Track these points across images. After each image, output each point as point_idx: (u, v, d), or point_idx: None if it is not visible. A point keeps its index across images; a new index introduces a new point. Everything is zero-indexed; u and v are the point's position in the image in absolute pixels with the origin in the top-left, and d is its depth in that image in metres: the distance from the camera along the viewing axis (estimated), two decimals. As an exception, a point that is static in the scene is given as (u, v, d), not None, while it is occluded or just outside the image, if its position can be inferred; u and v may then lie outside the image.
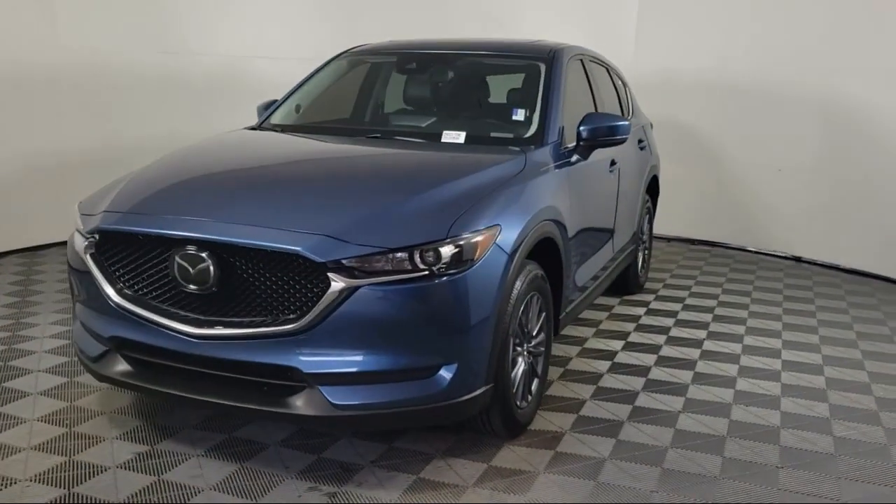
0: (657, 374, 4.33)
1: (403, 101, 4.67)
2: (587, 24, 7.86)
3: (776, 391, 4.13)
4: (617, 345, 4.80)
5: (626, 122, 4.13)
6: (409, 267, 2.88)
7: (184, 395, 3.11)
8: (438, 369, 2.97)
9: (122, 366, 3.25)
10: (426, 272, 2.89)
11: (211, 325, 3.00)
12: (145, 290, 3.13)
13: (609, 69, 5.47)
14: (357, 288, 2.83)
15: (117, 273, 3.19)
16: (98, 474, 3.13)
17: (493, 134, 4.13)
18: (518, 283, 3.24)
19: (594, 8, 8.02)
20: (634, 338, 4.94)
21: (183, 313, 3.05)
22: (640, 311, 5.55)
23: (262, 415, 3.10)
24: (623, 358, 4.57)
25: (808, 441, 3.56)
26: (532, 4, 8.08)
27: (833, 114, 6.84)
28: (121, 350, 3.25)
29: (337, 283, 2.82)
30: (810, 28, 6.85)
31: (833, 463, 3.36)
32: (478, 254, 3.00)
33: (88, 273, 3.25)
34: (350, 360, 2.90)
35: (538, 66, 4.43)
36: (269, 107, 4.78)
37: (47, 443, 3.37)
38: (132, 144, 6.85)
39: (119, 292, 3.17)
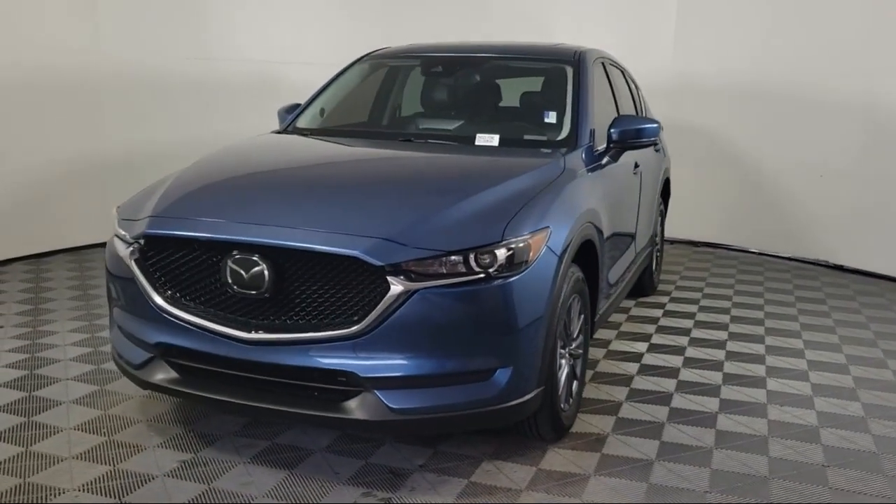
0: (687, 375, 4.34)
1: (429, 104, 4.66)
2: (623, 27, 7.81)
3: (807, 390, 4.16)
4: (641, 346, 4.81)
5: (656, 125, 4.16)
6: (465, 270, 2.87)
7: (234, 401, 3.07)
8: (494, 372, 2.96)
9: (167, 373, 3.20)
10: (482, 275, 2.88)
11: (264, 329, 2.96)
12: (194, 295, 3.09)
13: (623, 72, 5.49)
14: (415, 291, 2.81)
15: (163, 278, 3.15)
16: (146, 483, 3.08)
17: (526, 137, 4.13)
18: (564, 286, 3.24)
19: (631, 10, 7.91)
20: (657, 339, 4.95)
21: (234, 318, 3.01)
22: (658, 312, 5.57)
23: (316, 420, 3.07)
24: (650, 360, 4.58)
25: (848, 440, 3.58)
26: (566, 8, 8.00)
27: (874, 116, 6.66)
28: (166, 357, 3.20)
29: (396, 287, 2.80)
30: (850, 29, 6.68)
31: (877, 461, 3.39)
32: (531, 256, 3.00)
33: (132, 279, 3.20)
34: (407, 364, 2.88)
35: (564, 68, 4.44)
36: (291, 110, 4.75)
37: (88, 452, 3.31)
38: (167, 148, 6.99)
39: (166, 298, 3.12)
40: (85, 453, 3.30)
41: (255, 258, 2.91)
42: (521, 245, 2.96)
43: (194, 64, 7.20)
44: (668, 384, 4.20)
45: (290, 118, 4.61)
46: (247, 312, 3.00)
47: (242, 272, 2.93)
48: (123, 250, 3.23)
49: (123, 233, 3.27)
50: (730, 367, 4.49)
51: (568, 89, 4.28)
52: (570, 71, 4.40)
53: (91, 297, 5.57)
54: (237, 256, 2.94)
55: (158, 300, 3.12)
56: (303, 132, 4.41)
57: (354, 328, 2.86)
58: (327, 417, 2.97)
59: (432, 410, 2.92)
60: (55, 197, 6.70)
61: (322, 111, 4.64)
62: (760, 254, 7.59)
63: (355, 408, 2.92)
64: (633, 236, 4.86)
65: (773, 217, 7.50)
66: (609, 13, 7.98)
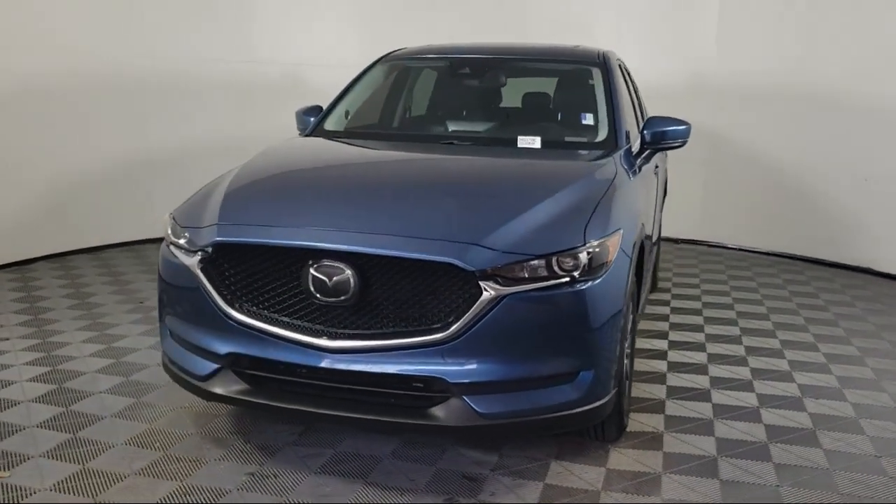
0: (717, 371, 4.43)
1: (459, 106, 4.65)
2: (665, 27, 7.76)
3: (835, 383, 4.30)
4: (662, 344, 4.90)
5: (688, 126, 4.22)
6: (550, 274, 2.87)
7: (313, 410, 3.02)
8: (577, 375, 2.97)
9: (236, 384, 3.12)
10: (566, 278, 2.89)
11: (347, 337, 2.92)
12: (269, 304, 3.02)
13: (628, 72, 5.57)
14: (505, 296, 2.81)
15: (234, 287, 3.07)
16: (222, 497, 3.00)
17: (566, 139, 4.15)
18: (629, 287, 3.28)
19: (673, 9, 7.77)
20: (675, 336, 5.05)
21: (314, 326, 2.96)
22: (666, 309, 5.67)
23: (401, 428, 3.05)
24: (675, 357, 4.66)
25: (890, 430, 3.72)
26: (606, 5, 7.93)
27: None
28: (235, 367, 3.12)
29: (488, 292, 2.79)
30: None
31: (924, 450, 3.53)
32: (609, 258, 3.02)
33: (196, 288, 3.11)
34: (495, 369, 2.88)
35: (591, 70, 4.49)
36: (310, 112, 4.66)
37: (150, 468, 3.21)
38: (207, 145, 7.38)
39: (237, 307, 3.04)
40: (146, 469, 3.19)
41: (340, 265, 2.86)
42: (601, 248, 2.98)
43: (230, 66, 7.43)
44: (702, 380, 4.28)
45: (315, 121, 4.52)
46: (328, 320, 2.95)
47: (326, 279, 2.88)
48: (187, 259, 3.13)
49: (181, 241, 3.18)
50: (754, 362, 4.60)
51: (599, 91, 4.32)
52: (597, 72, 4.45)
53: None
54: (321, 264, 2.88)
55: (229, 310, 3.04)
56: (335, 135, 4.34)
57: (443, 334, 2.84)
58: (414, 424, 2.95)
59: (519, 415, 2.92)
60: (101, 195, 6.89)
61: (347, 113, 4.58)
62: (799, 258, 7.41)
63: (444, 414, 2.89)
64: (654, 236, 4.95)
65: (814, 221, 7.26)
66: (652, 11, 7.84)
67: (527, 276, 2.85)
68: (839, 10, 6.84)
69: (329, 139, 4.29)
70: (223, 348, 3.09)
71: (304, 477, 3.17)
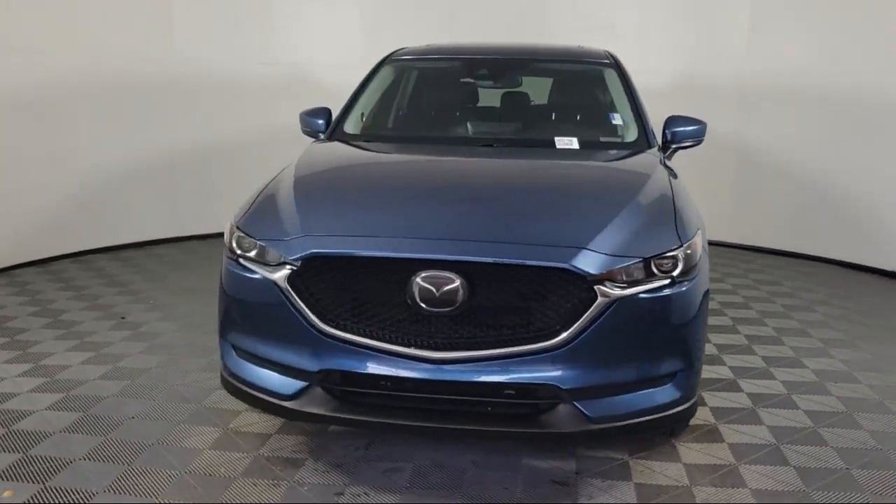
0: (730, 360, 4.60)
1: (480, 108, 4.62)
2: (694, 25, 7.65)
3: (841, 367, 4.55)
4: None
5: (705, 124, 4.34)
6: (651, 276, 2.91)
7: (418, 424, 2.95)
8: (675, 375, 3.02)
9: (327, 401, 2.99)
10: (667, 280, 2.93)
11: (455, 347, 2.85)
12: (368, 317, 2.91)
13: None
14: (617, 300, 2.82)
15: (327, 301, 2.94)
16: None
17: (601, 139, 4.19)
18: None
19: (702, 7, 7.64)
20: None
21: (418, 338, 2.87)
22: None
23: (512, 436, 3.01)
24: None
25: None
26: (629, 4, 7.87)
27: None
28: (324, 384, 2.99)
29: (602, 297, 2.79)
30: None
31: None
32: (698, 258, 3.08)
33: (281, 303, 2.96)
34: (605, 373, 2.89)
35: (605, 70, 4.56)
36: (316, 114, 4.50)
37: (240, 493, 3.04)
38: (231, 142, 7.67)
39: (331, 322, 2.92)
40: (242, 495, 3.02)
41: (450, 275, 2.79)
42: (692, 249, 3.04)
43: (259, 68, 7.61)
44: (723, 371, 4.43)
45: (334, 123, 4.37)
46: (432, 331, 2.87)
47: (434, 290, 2.80)
48: (270, 273, 2.97)
49: (252, 253, 3.05)
50: (760, 350, 4.80)
51: (619, 90, 4.40)
52: (611, 72, 4.52)
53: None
54: (429, 274, 2.80)
55: (321, 324, 2.91)
56: (358, 138, 4.22)
57: (555, 340, 2.82)
58: (526, 433, 2.92)
59: (625, 417, 2.95)
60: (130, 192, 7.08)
61: (363, 116, 4.47)
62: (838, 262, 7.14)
63: (554, 420, 2.88)
64: None
65: (849, 222, 7.02)
66: (678, 10, 7.76)
67: (633, 279, 2.87)
68: (873, 6, 6.61)
69: (358, 143, 4.18)
70: (315, 365, 2.95)
71: (397, 493, 3.08)
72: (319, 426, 3.57)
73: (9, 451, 3.32)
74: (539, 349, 2.83)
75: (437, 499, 3.05)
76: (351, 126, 4.36)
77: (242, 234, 3.13)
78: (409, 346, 2.87)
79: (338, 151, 4.03)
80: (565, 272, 2.79)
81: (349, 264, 2.91)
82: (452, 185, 3.53)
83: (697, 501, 3.07)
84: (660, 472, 3.29)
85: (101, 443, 3.43)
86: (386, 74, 4.69)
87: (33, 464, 3.23)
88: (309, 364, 2.96)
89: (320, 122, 4.42)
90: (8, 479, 3.10)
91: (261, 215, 3.21)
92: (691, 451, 3.47)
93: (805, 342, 4.97)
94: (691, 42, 7.61)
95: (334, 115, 4.51)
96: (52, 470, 3.18)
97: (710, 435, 3.64)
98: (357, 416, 2.98)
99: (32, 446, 3.38)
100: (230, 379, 3.23)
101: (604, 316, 2.82)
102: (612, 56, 4.66)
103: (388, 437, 3.51)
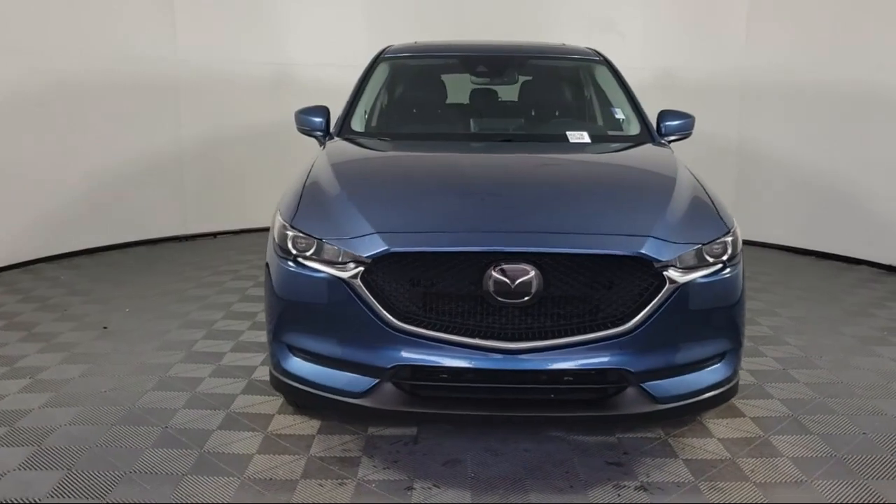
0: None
1: (483, 103, 4.69)
2: (693, 21, 7.76)
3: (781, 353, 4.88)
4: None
5: (694, 118, 4.56)
6: (709, 261, 3.07)
7: (492, 414, 3.02)
8: (725, 355, 3.20)
9: (399, 396, 3.01)
10: (719, 265, 3.10)
11: (528, 337, 2.93)
12: (442, 311, 2.95)
13: None
14: (682, 285, 2.97)
15: (400, 297, 2.96)
16: (409, 516, 2.90)
17: (609, 132, 4.34)
18: None
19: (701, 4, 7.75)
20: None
21: (492, 329, 2.93)
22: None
23: (584, 420, 3.11)
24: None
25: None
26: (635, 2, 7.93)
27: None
28: (395, 379, 3.01)
29: (670, 282, 2.93)
30: None
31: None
32: (740, 243, 3.27)
33: (350, 301, 2.96)
34: (670, 355, 3.03)
35: (597, 66, 4.72)
36: (311, 112, 4.47)
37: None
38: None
39: (404, 318, 2.94)
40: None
41: (525, 267, 2.86)
42: (735, 234, 3.22)
43: (263, 68, 7.83)
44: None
45: (339, 121, 4.35)
46: (504, 322, 2.93)
47: (509, 282, 2.87)
48: (338, 271, 2.97)
49: (310, 252, 3.06)
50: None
51: (613, 86, 4.58)
52: (603, 68, 4.69)
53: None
54: (505, 266, 2.86)
55: (395, 320, 2.93)
56: (381, 136, 4.26)
57: (626, 325, 2.94)
58: (599, 416, 3.03)
59: (686, 397, 3.10)
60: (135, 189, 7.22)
61: (366, 113, 4.47)
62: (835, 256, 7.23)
63: (624, 403, 3.00)
64: None
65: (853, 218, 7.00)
66: (678, 5, 7.87)
67: (692, 265, 3.02)
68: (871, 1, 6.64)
69: (379, 140, 4.21)
70: (387, 361, 2.97)
71: (465, 483, 3.12)
72: (360, 424, 3.58)
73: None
74: (609, 335, 2.94)
75: (506, 487, 3.11)
76: (358, 124, 4.35)
77: (300, 234, 3.10)
78: (483, 337, 2.93)
79: (366, 148, 4.04)
80: (637, 260, 2.91)
81: (422, 259, 2.94)
82: (501, 179, 3.59)
83: (746, 473, 3.25)
84: (700, 447, 3.46)
85: (147, 455, 3.32)
86: (383, 72, 4.70)
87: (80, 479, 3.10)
88: (381, 360, 2.97)
89: (318, 120, 4.39)
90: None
91: (316, 214, 3.19)
92: (720, 427, 3.66)
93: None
94: (689, 38, 7.73)
95: (332, 113, 4.48)
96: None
97: (728, 410, 3.83)
98: (431, 410, 3.01)
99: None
100: (286, 380, 3.19)
101: (669, 301, 2.95)
102: (599, 53, 4.82)
103: (434, 431, 3.54)
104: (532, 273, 2.86)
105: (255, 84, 7.82)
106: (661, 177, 3.54)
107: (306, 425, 3.61)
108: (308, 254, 3.06)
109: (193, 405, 3.82)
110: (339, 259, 2.98)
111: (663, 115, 4.48)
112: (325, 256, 3.02)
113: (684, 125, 4.46)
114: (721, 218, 3.22)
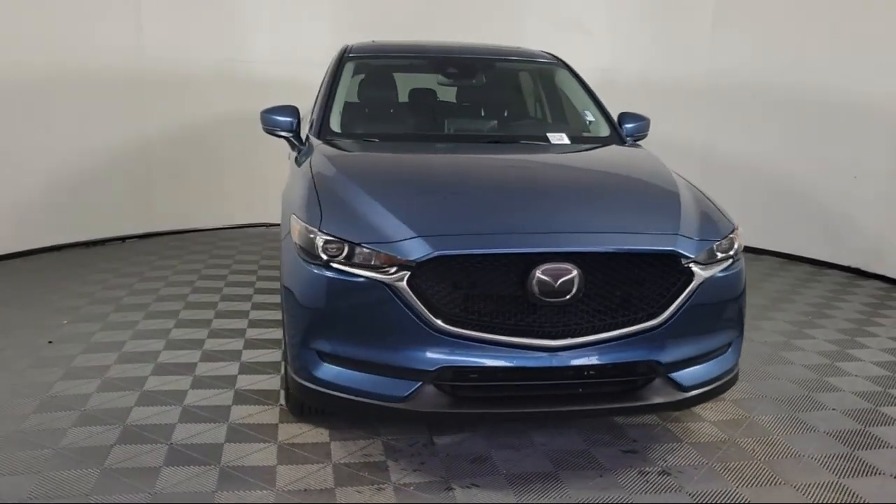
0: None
1: (455, 105, 4.73)
2: (657, 25, 7.82)
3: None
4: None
5: (649, 119, 4.79)
6: (719, 257, 3.26)
7: (533, 410, 3.11)
8: (731, 344, 3.41)
9: (442, 398, 3.02)
10: (730, 260, 3.31)
11: (570, 334, 3.02)
12: (486, 312, 2.98)
13: None
14: (706, 278, 3.15)
15: (445, 299, 2.97)
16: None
17: (584, 134, 4.48)
18: None
19: (666, 8, 7.78)
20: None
21: (535, 328, 3.00)
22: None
23: (612, 413, 3.23)
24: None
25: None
26: (597, 4, 7.95)
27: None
28: (437, 381, 3.02)
29: (698, 277, 3.11)
30: (883, 32, 6.40)
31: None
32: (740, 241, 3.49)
33: (393, 305, 2.94)
34: (693, 345, 3.20)
35: (558, 69, 4.88)
36: (278, 112, 4.36)
37: None
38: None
39: (448, 319, 2.96)
40: None
41: (567, 266, 2.95)
42: (739, 231, 3.44)
43: (228, 65, 7.66)
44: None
45: (319, 123, 4.26)
46: (542, 320, 3.01)
47: (552, 281, 2.94)
48: (381, 276, 2.94)
49: (347, 256, 3.02)
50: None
51: (577, 88, 4.75)
52: (564, 71, 4.85)
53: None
54: (549, 266, 2.94)
55: (440, 323, 2.95)
56: (364, 138, 4.21)
57: (658, 319, 3.09)
58: (631, 407, 3.17)
59: (706, 384, 3.28)
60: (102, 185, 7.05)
61: (339, 114, 4.41)
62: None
63: (654, 393, 3.15)
64: None
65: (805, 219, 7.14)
66: (643, 9, 7.93)
67: (710, 259, 3.21)
68: (829, 9, 6.76)
69: (367, 141, 4.18)
70: (431, 364, 2.97)
71: (501, 480, 3.18)
72: (370, 428, 3.58)
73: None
74: (643, 329, 3.08)
75: (542, 481, 3.20)
76: (335, 125, 4.28)
77: (332, 238, 3.05)
78: (525, 336, 2.99)
79: (364, 150, 3.99)
80: (669, 256, 3.06)
81: (467, 262, 2.96)
82: (515, 181, 3.65)
83: (749, 451, 3.49)
84: (699, 431, 3.68)
85: (166, 476, 3.17)
86: (349, 72, 4.64)
87: None
88: (425, 363, 2.97)
89: (288, 120, 4.29)
90: None
91: (345, 218, 3.13)
92: (707, 411, 3.89)
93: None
94: (656, 40, 7.83)
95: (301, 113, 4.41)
96: None
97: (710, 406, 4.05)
98: (475, 410, 3.05)
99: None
100: (317, 387, 3.13)
101: (696, 293, 3.13)
102: (556, 56, 4.98)
103: (446, 432, 3.57)
104: (574, 272, 2.95)
105: (219, 81, 7.65)
106: (663, 178, 3.71)
107: (315, 433, 3.55)
108: (340, 258, 3.02)
109: (189, 419, 3.66)
110: (380, 263, 2.96)
111: (623, 118, 4.67)
112: (362, 260, 2.98)
113: (642, 126, 4.67)
114: (725, 216, 3.43)
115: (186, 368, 4.26)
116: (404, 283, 2.92)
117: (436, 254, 2.91)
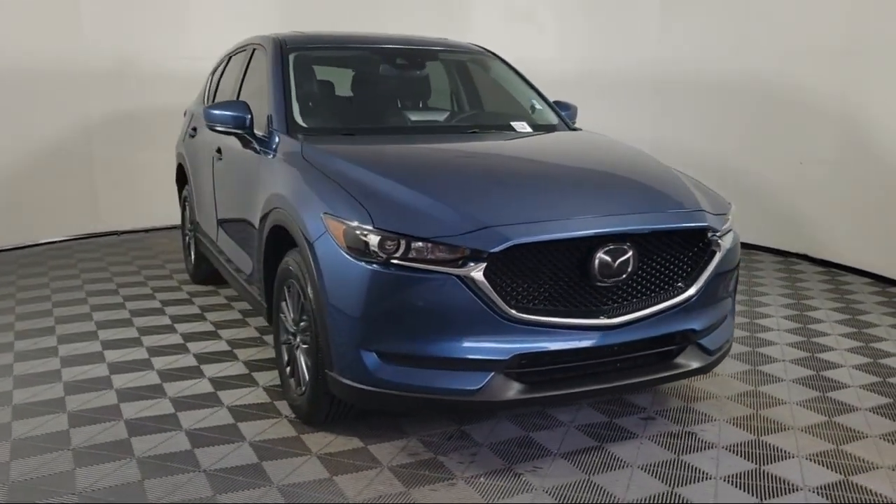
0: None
1: (401, 97, 4.67)
2: (606, 16, 7.79)
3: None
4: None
5: (577, 107, 5.02)
6: (725, 230, 3.55)
7: (592, 388, 3.20)
8: (730, 311, 3.71)
9: (514, 386, 3.05)
10: (730, 231, 3.61)
11: (624, 311, 3.16)
12: (551, 297, 3.05)
13: None
14: (726, 250, 3.43)
15: (516, 288, 3.00)
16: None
17: (539, 122, 4.60)
18: None
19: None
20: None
21: (593, 308, 3.11)
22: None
23: (656, 382, 3.42)
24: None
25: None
26: None
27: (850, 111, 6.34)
28: (507, 370, 3.04)
29: (722, 248, 3.38)
30: (827, 25, 6.38)
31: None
32: None
33: (467, 297, 2.92)
34: (714, 313, 3.47)
35: (490, 60, 4.99)
36: (224, 107, 4.09)
37: None
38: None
39: (520, 307, 2.99)
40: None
41: (625, 246, 3.09)
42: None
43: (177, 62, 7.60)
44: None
45: (285, 118, 4.02)
46: (601, 300, 3.13)
47: (611, 261, 3.07)
48: (457, 269, 2.91)
49: (413, 252, 2.96)
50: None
51: (514, 78, 4.90)
52: (497, 62, 4.98)
53: None
54: (609, 248, 3.06)
55: (513, 311, 2.97)
56: (341, 132, 4.07)
57: (692, 290, 3.31)
58: (669, 376, 3.38)
59: (722, 348, 3.56)
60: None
61: (301, 107, 4.21)
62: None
63: (689, 359, 3.38)
64: None
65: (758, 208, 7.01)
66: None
67: (725, 232, 3.48)
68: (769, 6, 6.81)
69: (349, 135, 4.05)
70: (505, 353, 2.99)
71: (562, 461, 3.26)
72: (395, 427, 3.52)
73: None
74: (681, 300, 3.28)
75: (596, 453, 3.32)
76: (299, 118, 4.07)
77: (389, 234, 2.95)
78: (586, 317, 3.09)
79: (355, 143, 3.86)
80: (703, 231, 3.30)
81: (536, 248, 3.00)
82: (534, 168, 3.74)
83: (749, 407, 3.82)
84: (695, 397, 3.96)
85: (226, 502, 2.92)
86: (294, 64, 4.41)
87: None
88: (498, 353, 2.98)
89: (244, 116, 4.03)
90: None
91: (395, 214, 3.03)
92: (707, 386, 4.10)
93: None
94: (605, 31, 7.89)
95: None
96: None
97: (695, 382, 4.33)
98: (544, 394, 3.10)
99: None
100: (380, 389, 3.03)
101: (717, 265, 3.38)
102: (485, 48, 5.09)
103: (466, 421, 3.59)
104: (630, 252, 3.10)
105: (169, 78, 7.58)
106: (652, 160, 3.95)
107: (344, 440, 3.41)
108: (397, 254, 2.95)
109: (203, 442, 3.38)
110: (444, 256, 2.92)
111: (561, 106, 4.87)
112: (421, 255, 2.93)
113: (571, 114, 4.90)
114: (718, 197, 3.73)
115: (154, 391, 3.91)
116: (480, 274, 2.91)
117: (513, 242, 2.93)
